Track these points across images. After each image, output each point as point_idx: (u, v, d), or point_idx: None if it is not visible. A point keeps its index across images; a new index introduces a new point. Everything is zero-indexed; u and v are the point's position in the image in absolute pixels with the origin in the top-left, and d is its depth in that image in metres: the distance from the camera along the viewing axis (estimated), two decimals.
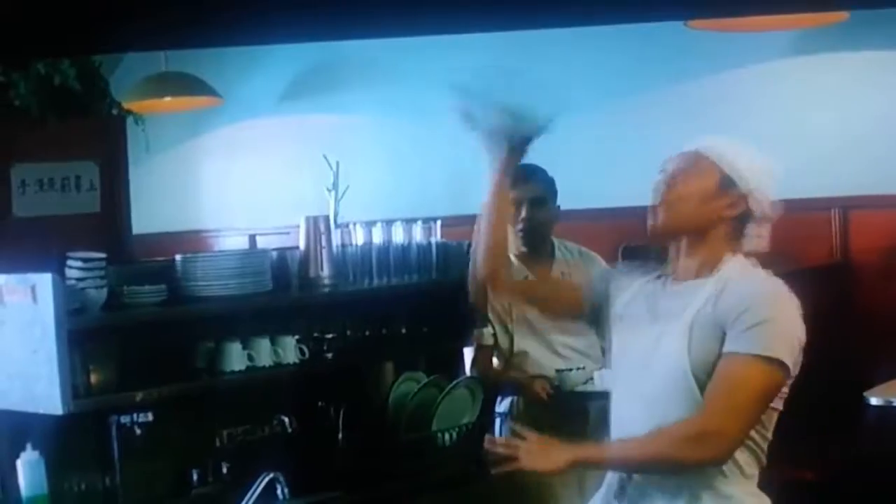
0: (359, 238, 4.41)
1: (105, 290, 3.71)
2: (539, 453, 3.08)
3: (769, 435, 3.01)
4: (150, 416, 3.76)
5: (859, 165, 6.07)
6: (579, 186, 4.85)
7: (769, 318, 2.91)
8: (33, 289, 3.51)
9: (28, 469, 3.65)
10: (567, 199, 4.79)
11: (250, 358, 4.02)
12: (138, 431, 3.77)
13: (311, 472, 4.13)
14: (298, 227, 4.27)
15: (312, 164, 7.19)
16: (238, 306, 4.01)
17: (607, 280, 3.28)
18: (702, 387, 2.88)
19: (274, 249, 4.32)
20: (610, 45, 6.63)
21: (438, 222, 4.62)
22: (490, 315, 4.68)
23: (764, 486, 3.09)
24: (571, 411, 4.66)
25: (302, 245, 4.23)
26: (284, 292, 4.20)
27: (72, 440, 3.76)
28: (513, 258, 4.77)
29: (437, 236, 4.57)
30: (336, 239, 4.30)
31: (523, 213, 4.65)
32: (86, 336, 3.64)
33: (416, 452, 4.42)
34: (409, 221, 4.56)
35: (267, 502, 3.80)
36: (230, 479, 4.04)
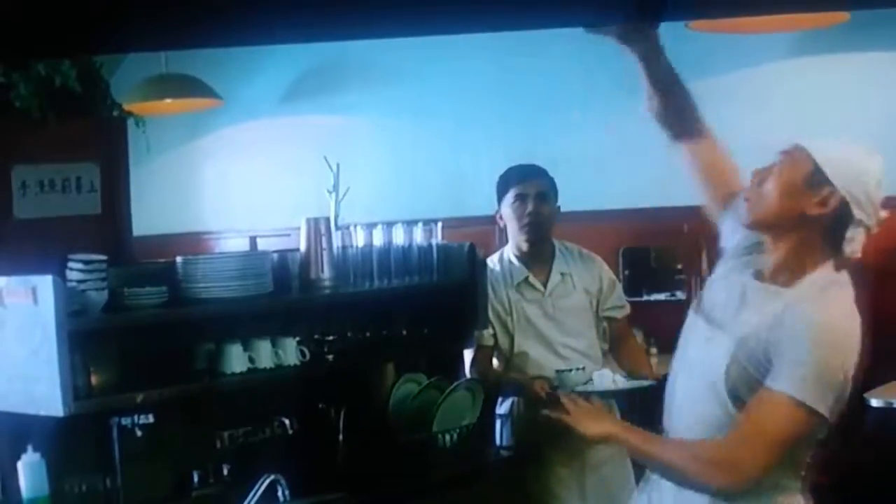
0: (359, 240, 4.41)
1: (106, 292, 3.71)
2: (588, 417, 3.05)
3: (808, 454, 2.99)
4: (150, 418, 3.76)
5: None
6: (579, 188, 4.86)
7: (817, 362, 2.80)
8: (34, 290, 3.51)
9: (29, 471, 3.65)
10: (567, 201, 4.80)
11: (251, 360, 4.02)
12: (139, 433, 3.77)
13: (311, 473, 4.13)
14: (299, 228, 4.27)
15: (313, 165, 7.18)
16: (239, 308, 4.01)
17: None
18: (735, 402, 2.82)
19: (275, 251, 4.32)
20: (610, 46, 6.63)
21: (439, 224, 4.62)
22: (490, 315, 4.69)
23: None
24: None
25: (303, 247, 4.23)
26: (285, 294, 4.20)
27: (73, 442, 3.76)
28: (514, 259, 4.78)
29: (437, 238, 4.57)
30: (337, 241, 4.30)
31: (529, 208, 4.67)
32: (86, 338, 3.64)
33: (417, 454, 4.42)
34: (410, 223, 4.56)
35: None
36: (231, 480, 4.04)
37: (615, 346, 4.88)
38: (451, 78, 7.36)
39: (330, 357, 4.27)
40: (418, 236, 4.52)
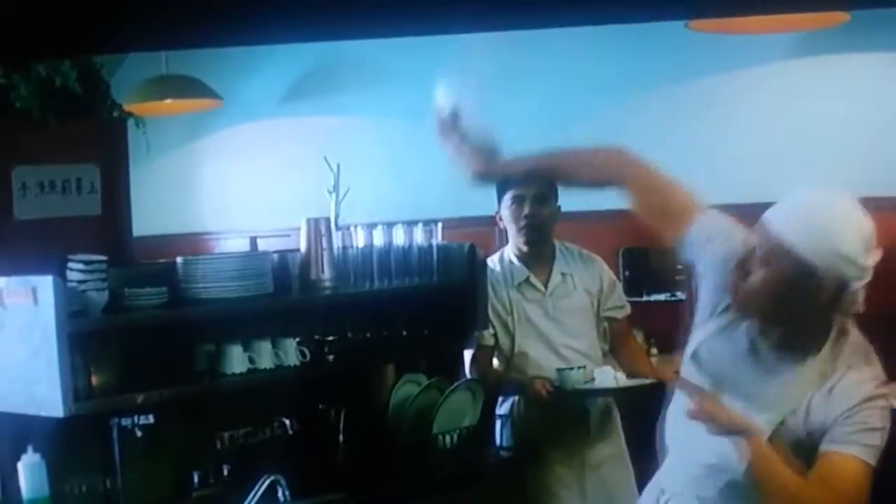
0: (360, 240, 4.41)
1: (106, 293, 3.71)
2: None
3: None
4: (151, 419, 3.76)
5: (860, 167, 6.06)
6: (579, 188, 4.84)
7: (883, 427, 2.84)
8: (34, 291, 3.51)
9: (29, 471, 3.65)
10: (567, 201, 4.80)
11: (251, 360, 4.02)
12: (139, 434, 3.77)
13: (312, 474, 4.13)
14: (299, 229, 4.27)
15: (313, 166, 7.20)
16: (239, 309, 4.01)
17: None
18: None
19: (275, 252, 4.32)
20: (610, 46, 6.63)
21: (439, 224, 4.62)
22: (491, 316, 4.69)
23: None
24: (572, 410, 4.68)
25: (303, 247, 4.23)
26: (285, 294, 4.20)
27: (73, 443, 3.76)
28: (514, 260, 4.78)
29: (438, 238, 4.57)
30: (337, 241, 4.30)
31: (526, 210, 4.66)
32: (87, 338, 3.64)
33: (417, 454, 4.42)
34: (410, 223, 4.56)
35: None
36: (231, 481, 4.04)
37: (615, 346, 4.89)
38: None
39: (330, 358, 4.28)
40: (418, 237, 4.52)
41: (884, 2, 4.04)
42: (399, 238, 4.48)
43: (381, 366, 4.63)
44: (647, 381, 4.54)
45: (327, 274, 4.22)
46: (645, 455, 3.44)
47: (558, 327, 4.72)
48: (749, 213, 6.06)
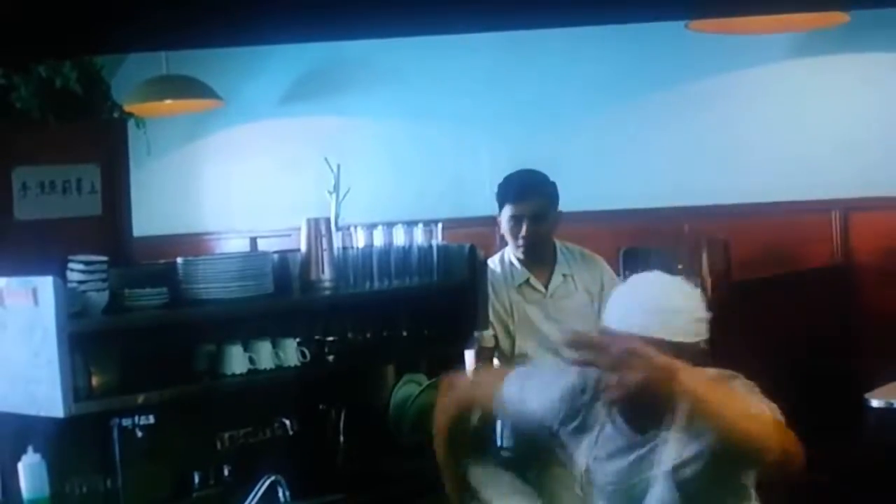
0: (360, 240, 4.41)
1: (106, 293, 3.71)
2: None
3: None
4: (151, 419, 3.77)
5: (860, 167, 6.07)
6: (580, 188, 4.86)
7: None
8: (35, 292, 3.51)
9: (29, 472, 3.65)
10: (567, 202, 4.80)
11: (251, 360, 4.02)
12: (140, 434, 3.77)
13: (312, 474, 4.13)
14: (299, 229, 4.27)
15: (313, 166, 7.19)
16: (239, 309, 4.01)
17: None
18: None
19: (275, 252, 4.32)
20: (610, 47, 6.64)
21: (440, 225, 4.62)
22: (491, 317, 4.69)
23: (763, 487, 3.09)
24: None
25: (303, 248, 4.23)
26: (285, 295, 4.20)
27: (73, 443, 3.76)
28: (515, 261, 4.78)
29: (438, 239, 4.57)
30: (337, 241, 4.30)
31: (523, 231, 4.67)
32: (87, 339, 3.64)
33: (418, 454, 4.41)
34: (411, 224, 4.56)
35: None
36: (231, 481, 4.04)
37: None
38: (451, 78, 7.36)
39: (330, 358, 4.27)
40: (419, 237, 4.52)
41: (884, 2, 4.05)
42: (399, 238, 4.47)
43: (382, 366, 4.62)
44: None
45: (327, 274, 4.21)
46: None
47: (559, 328, 4.71)
48: (749, 213, 6.08)
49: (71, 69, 4.28)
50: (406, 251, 4.49)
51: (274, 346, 4.09)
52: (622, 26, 5.46)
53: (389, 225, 4.51)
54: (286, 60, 7.88)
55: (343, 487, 4.15)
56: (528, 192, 4.68)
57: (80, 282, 3.65)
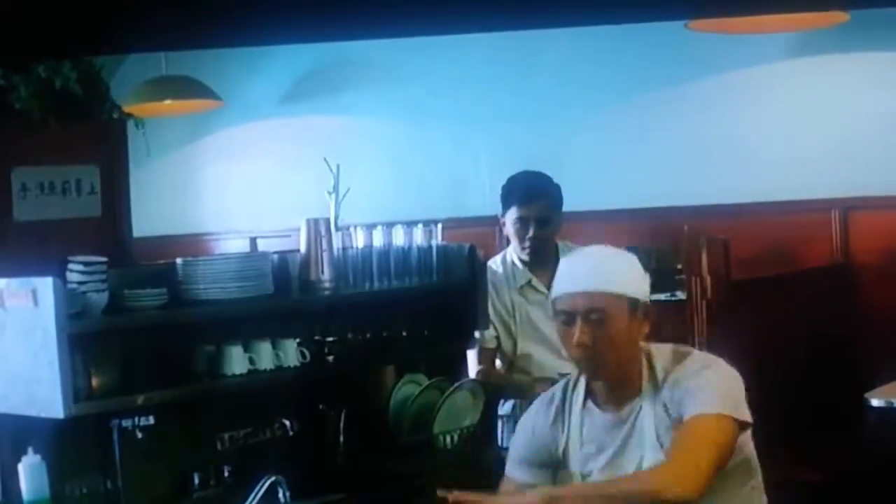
0: (359, 241, 4.41)
1: (106, 294, 3.71)
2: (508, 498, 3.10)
3: (759, 484, 3.07)
4: (151, 420, 3.76)
5: (859, 166, 6.07)
6: (579, 188, 4.86)
7: (708, 384, 2.98)
8: (34, 292, 3.51)
9: (29, 473, 3.65)
10: (567, 201, 4.80)
11: (251, 361, 4.02)
12: (140, 435, 3.77)
13: (312, 475, 4.13)
14: (299, 229, 4.27)
15: (313, 166, 7.19)
16: (239, 309, 4.01)
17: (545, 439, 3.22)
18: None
19: (275, 252, 4.32)
20: (609, 47, 6.64)
21: (439, 225, 4.62)
22: (493, 317, 4.69)
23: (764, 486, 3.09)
24: None
25: (303, 248, 4.23)
26: (285, 295, 4.19)
27: (73, 444, 3.75)
28: (517, 262, 4.77)
29: (437, 239, 4.57)
30: (337, 242, 4.30)
31: (530, 233, 4.68)
32: (87, 340, 3.64)
33: (418, 455, 4.42)
34: (410, 224, 4.56)
35: None
36: (232, 482, 4.04)
37: None
38: (451, 78, 7.36)
39: (330, 358, 4.27)
40: (418, 237, 4.52)
41: (884, 1, 4.05)
42: (399, 239, 4.48)
43: (382, 366, 4.63)
44: None
45: (327, 274, 4.21)
46: None
47: None
48: (748, 212, 6.09)
49: (70, 70, 4.28)
50: (406, 251, 4.49)
51: (274, 346, 4.09)
52: (622, 26, 5.45)
53: (389, 225, 4.51)
54: (286, 60, 7.87)
55: (343, 487, 4.14)
56: (536, 195, 4.69)
57: (80, 282, 3.65)
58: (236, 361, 3.98)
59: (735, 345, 4.43)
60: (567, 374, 4.57)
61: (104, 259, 3.73)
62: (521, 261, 4.76)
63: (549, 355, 4.68)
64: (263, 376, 4.04)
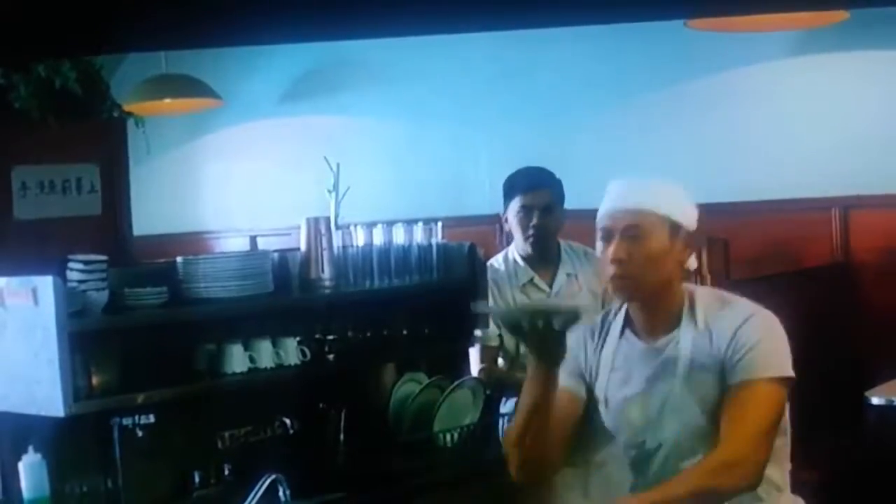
0: (360, 239, 4.41)
1: (106, 293, 3.71)
2: None
3: (788, 440, 3.01)
4: (151, 418, 3.77)
5: (859, 165, 6.07)
6: (579, 187, 4.85)
7: (760, 340, 2.92)
8: (34, 291, 3.51)
9: (30, 471, 3.65)
10: (568, 200, 4.80)
11: (252, 359, 4.02)
12: (140, 433, 3.78)
13: (312, 473, 4.13)
14: (299, 228, 4.27)
15: (313, 165, 7.18)
16: (239, 308, 4.01)
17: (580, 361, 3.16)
18: (711, 420, 2.90)
19: (275, 251, 4.33)
20: (609, 46, 6.64)
21: (439, 223, 4.63)
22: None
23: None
24: None
25: (303, 246, 4.24)
26: (285, 294, 4.20)
27: (73, 442, 3.76)
28: (519, 260, 4.77)
29: (437, 237, 4.57)
30: (337, 240, 4.30)
31: (534, 220, 4.66)
32: (87, 338, 3.64)
33: (418, 453, 4.42)
34: (410, 222, 4.56)
35: None
36: (232, 480, 4.04)
37: None
38: (451, 78, 7.36)
39: (330, 357, 4.28)
40: (418, 236, 4.52)
41: (884, 1, 4.05)
42: (399, 237, 4.48)
43: (382, 365, 4.63)
44: None
45: (327, 273, 4.22)
46: None
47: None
48: (748, 211, 6.09)
49: (70, 69, 4.29)
50: (406, 250, 4.49)
51: (274, 344, 4.09)
52: (622, 25, 5.45)
53: (389, 224, 4.52)
54: (286, 60, 7.87)
55: (343, 486, 4.14)
56: (539, 183, 4.69)
57: (80, 281, 3.65)
58: (237, 360, 3.99)
59: None
60: None
61: (104, 257, 3.73)
62: (524, 259, 4.76)
63: None
64: (264, 375, 4.05)
